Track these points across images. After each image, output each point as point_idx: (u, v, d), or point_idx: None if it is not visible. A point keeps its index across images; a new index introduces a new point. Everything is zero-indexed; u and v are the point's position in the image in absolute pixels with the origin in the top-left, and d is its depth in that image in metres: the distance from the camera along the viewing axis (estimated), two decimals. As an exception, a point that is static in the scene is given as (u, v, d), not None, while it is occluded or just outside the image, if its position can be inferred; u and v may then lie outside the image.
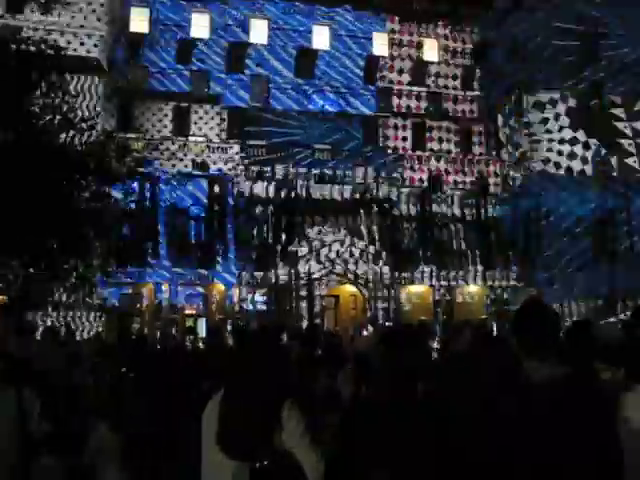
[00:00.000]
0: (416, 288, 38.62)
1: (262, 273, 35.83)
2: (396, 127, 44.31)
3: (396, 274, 37.26)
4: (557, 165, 40.70)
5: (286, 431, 3.32)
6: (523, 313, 3.44)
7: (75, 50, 32.09)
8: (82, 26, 33.65)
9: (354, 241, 36.80)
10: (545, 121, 41.12)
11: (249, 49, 42.79)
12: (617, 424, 3.24)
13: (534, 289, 37.71)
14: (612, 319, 30.36)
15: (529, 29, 41.58)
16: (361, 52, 44.78)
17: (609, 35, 42.13)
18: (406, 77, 45.19)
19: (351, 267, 36.34)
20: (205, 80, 41.86)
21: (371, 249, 37.07)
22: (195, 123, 41.10)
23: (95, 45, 34.31)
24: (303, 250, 35.96)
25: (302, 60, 43.13)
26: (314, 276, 35.32)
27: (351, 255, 36.33)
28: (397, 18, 45.29)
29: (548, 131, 41.12)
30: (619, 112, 41.74)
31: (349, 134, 42.95)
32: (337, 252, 36.16)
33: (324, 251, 36.01)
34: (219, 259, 35.88)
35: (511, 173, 42.39)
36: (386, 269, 36.79)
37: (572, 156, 40.93)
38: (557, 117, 41.13)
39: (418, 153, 43.78)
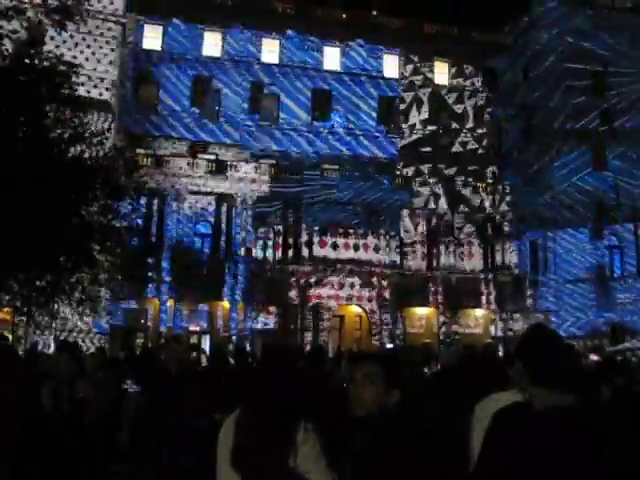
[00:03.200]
0: (421, 311, 38.50)
1: (268, 293, 35.77)
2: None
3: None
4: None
5: (300, 454, 3.27)
6: (529, 338, 3.33)
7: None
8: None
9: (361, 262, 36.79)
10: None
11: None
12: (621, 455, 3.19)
13: (542, 315, 37.82)
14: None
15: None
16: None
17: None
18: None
19: (357, 288, 36.29)
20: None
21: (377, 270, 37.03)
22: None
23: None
24: (308, 269, 35.95)
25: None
26: (320, 299, 35.32)
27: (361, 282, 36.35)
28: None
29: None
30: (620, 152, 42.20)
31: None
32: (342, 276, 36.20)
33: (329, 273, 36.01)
34: (224, 278, 35.80)
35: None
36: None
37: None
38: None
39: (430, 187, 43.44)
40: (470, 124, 46.19)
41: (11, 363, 4.99)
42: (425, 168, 44.20)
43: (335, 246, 36.76)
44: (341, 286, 36.20)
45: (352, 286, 36.37)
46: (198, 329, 36.17)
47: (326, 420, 3.46)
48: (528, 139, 43.68)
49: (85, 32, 31.57)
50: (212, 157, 40.07)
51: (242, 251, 36.25)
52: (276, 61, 44.25)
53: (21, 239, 15.02)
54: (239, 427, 3.41)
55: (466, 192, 42.01)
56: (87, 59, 33.26)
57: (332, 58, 45.29)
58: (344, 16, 45.79)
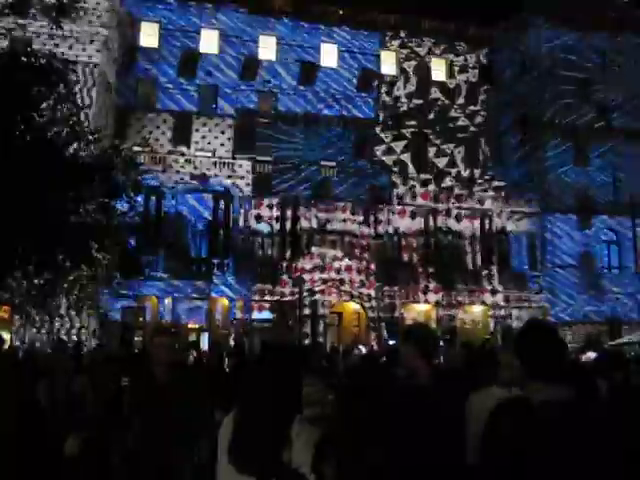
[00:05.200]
0: (419, 307, 38.52)
1: (266, 289, 35.80)
2: (396, 137, 44.66)
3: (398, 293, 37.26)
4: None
5: (295, 448, 3.27)
6: (526, 334, 3.34)
7: (77, 57, 32.88)
8: (91, 40, 34.41)
9: (357, 259, 36.83)
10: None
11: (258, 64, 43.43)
12: (620, 448, 3.17)
13: (540, 308, 37.98)
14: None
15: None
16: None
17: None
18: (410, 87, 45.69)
19: (355, 285, 36.30)
20: (212, 93, 42.38)
21: (373, 267, 37.05)
22: (204, 137, 41.58)
23: (97, 50, 34.91)
24: (307, 266, 35.95)
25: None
26: (317, 295, 35.30)
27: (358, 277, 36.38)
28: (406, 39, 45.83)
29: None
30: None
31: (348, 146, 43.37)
32: (340, 270, 36.19)
33: (327, 269, 36.00)
34: (222, 274, 35.82)
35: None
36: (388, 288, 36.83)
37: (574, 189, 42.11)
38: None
39: (422, 176, 43.76)
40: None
41: (6, 363, 4.99)
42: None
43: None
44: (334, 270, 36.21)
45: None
46: (197, 325, 36.19)
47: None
48: (521, 130, 44.28)
49: None
50: (209, 154, 40.06)
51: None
52: (273, 55, 44.34)
53: (19, 237, 15.02)
54: (236, 423, 3.44)
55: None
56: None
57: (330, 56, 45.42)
58: (340, 12, 45.89)
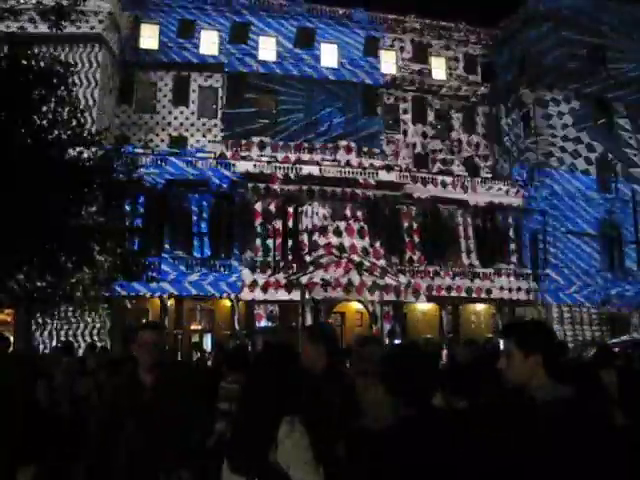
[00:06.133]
0: (422, 306, 38.44)
1: (269, 288, 35.73)
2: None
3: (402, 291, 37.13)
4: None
5: (280, 449, 3.28)
6: (527, 332, 3.33)
7: (77, 59, 33.09)
8: (91, 42, 34.80)
9: (361, 255, 36.71)
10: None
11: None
12: (624, 445, 3.16)
13: (540, 305, 37.85)
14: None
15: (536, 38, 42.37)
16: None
17: (615, 49, 42.81)
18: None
19: (356, 283, 36.21)
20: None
21: (379, 262, 36.93)
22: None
23: (98, 52, 35.10)
24: (309, 267, 35.88)
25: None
26: (320, 294, 35.26)
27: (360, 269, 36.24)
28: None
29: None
30: (623, 122, 42.05)
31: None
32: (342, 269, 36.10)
33: (329, 269, 35.93)
34: (223, 273, 35.73)
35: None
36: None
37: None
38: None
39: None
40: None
41: (8, 364, 5.00)
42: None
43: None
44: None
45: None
46: (200, 327, 36.21)
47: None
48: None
49: None
50: (210, 155, 39.99)
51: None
52: (273, 56, 44.48)
53: (21, 240, 15.05)
54: (233, 423, 3.47)
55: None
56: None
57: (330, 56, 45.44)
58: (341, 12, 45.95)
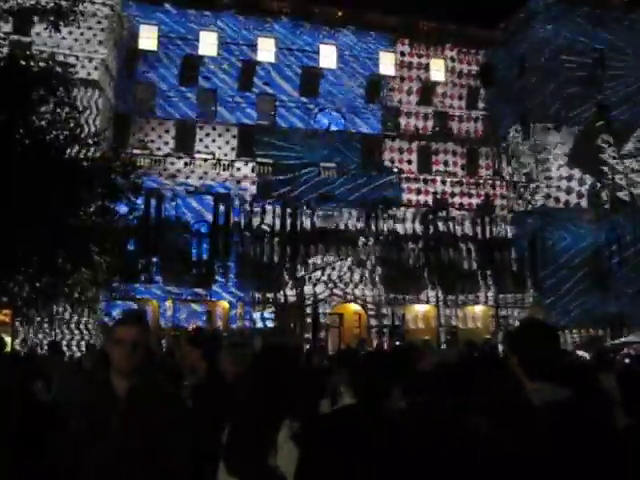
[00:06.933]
0: (420, 308, 38.46)
1: (267, 292, 35.72)
2: (401, 150, 44.46)
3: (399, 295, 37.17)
4: (556, 200, 41.98)
5: (280, 453, 3.23)
6: (524, 333, 3.30)
7: (77, 73, 33.02)
8: (84, 49, 34.85)
9: (358, 262, 36.76)
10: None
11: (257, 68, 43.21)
12: (623, 448, 3.14)
13: (540, 309, 37.90)
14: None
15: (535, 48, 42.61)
16: (365, 72, 45.09)
17: (613, 65, 43.41)
18: (413, 98, 45.47)
19: (354, 287, 36.25)
20: (212, 98, 42.24)
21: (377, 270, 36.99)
22: (201, 140, 41.41)
23: (96, 68, 35.07)
24: (308, 269, 35.89)
25: (307, 79, 43.57)
26: (319, 296, 35.25)
27: (360, 280, 36.29)
28: (407, 40, 45.63)
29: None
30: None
31: (353, 153, 43.09)
32: (340, 273, 36.11)
33: (328, 271, 35.93)
34: (221, 277, 35.75)
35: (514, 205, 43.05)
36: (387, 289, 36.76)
37: (569, 191, 42.51)
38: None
39: (424, 176, 43.65)
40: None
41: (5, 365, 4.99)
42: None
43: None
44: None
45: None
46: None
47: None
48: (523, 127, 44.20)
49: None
50: (209, 156, 39.99)
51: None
52: (272, 57, 44.26)
53: (20, 241, 15.02)
54: (231, 427, 3.43)
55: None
56: (76, 40, 34.49)
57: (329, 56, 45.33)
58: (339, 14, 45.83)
